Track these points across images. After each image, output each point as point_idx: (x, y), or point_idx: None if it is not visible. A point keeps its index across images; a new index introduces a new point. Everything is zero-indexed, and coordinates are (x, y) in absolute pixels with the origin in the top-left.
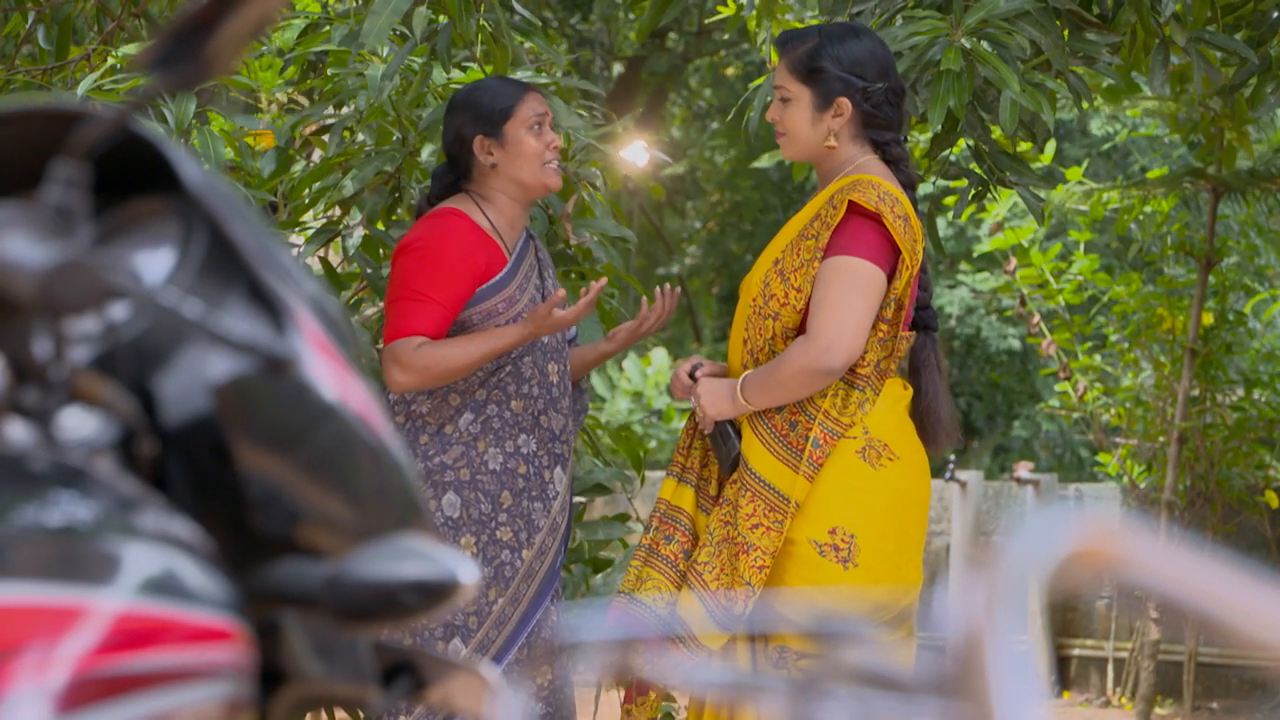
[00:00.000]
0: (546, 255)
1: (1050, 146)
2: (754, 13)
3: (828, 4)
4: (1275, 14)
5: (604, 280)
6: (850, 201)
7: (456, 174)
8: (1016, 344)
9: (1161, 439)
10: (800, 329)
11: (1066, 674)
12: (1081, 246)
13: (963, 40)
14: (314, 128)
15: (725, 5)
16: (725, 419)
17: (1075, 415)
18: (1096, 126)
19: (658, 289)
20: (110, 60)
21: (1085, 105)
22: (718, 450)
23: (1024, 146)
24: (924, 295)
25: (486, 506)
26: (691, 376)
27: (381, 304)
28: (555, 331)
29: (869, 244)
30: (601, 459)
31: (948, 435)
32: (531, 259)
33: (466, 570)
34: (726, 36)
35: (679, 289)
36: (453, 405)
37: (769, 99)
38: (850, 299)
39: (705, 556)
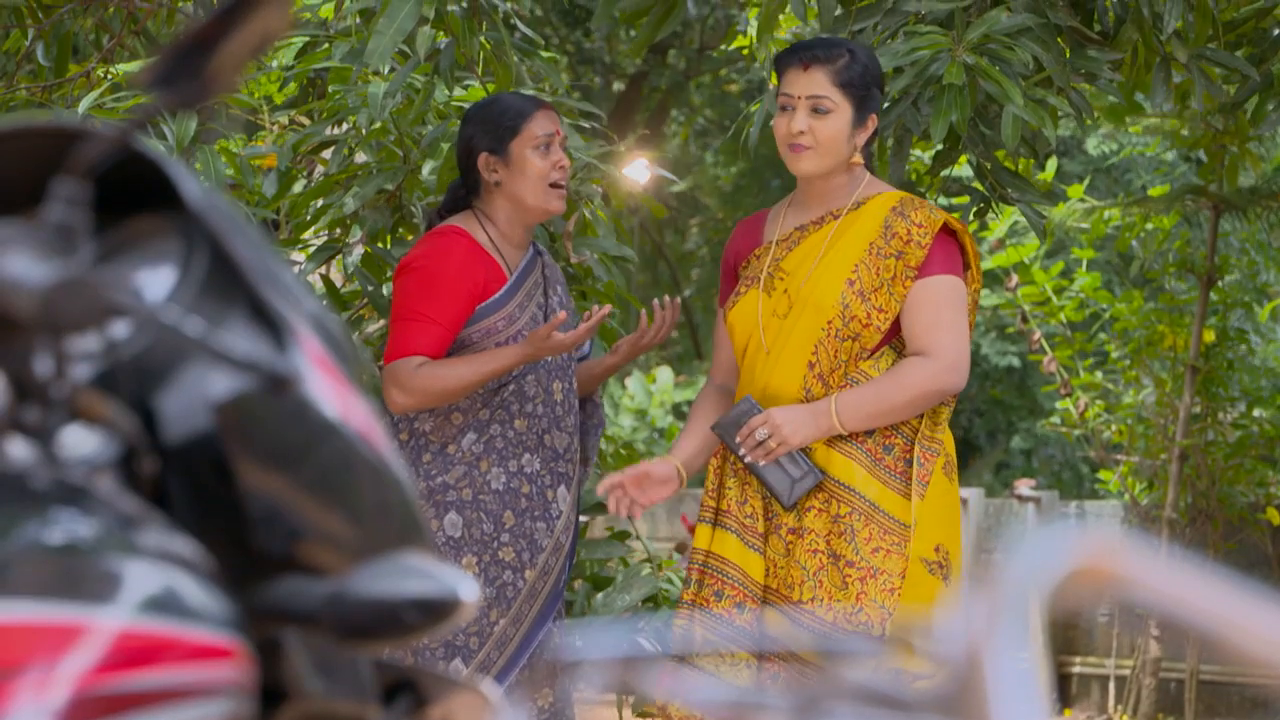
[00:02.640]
0: (556, 272)
1: (1052, 164)
2: (752, 28)
3: (829, 22)
4: (1276, 31)
5: (609, 307)
6: (945, 222)
7: (467, 189)
8: (1016, 361)
9: (1163, 456)
10: (874, 348)
11: (1068, 691)
12: (1084, 264)
13: (965, 56)
14: (314, 145)
15: (729, 35)
16: (802, 447)
17: (1076, 432)
18: (1093, 145)
19: (656, 301)
20: (110, 78)
21: (1087, 121)
22: (775, 482)
23: (1026, 164)
24: None
25: (489, 526)
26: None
27: (383, 321)
28: (555, 354)
29: (959, 262)
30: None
31: None
32: (537, 276)
33: (467, 588)
34: (725, 48)
35: (679, 300)
36: (455, 424)
37: (771, 112)
38: (961, 318)
39: (808, 594)
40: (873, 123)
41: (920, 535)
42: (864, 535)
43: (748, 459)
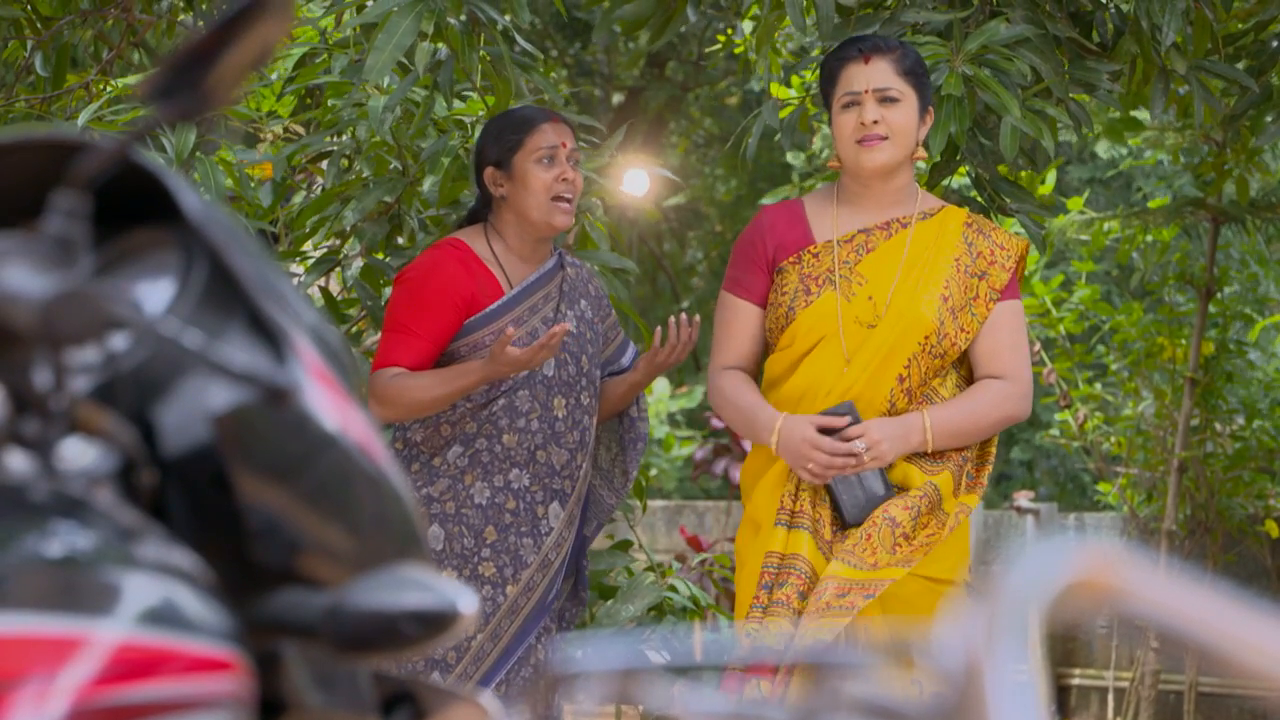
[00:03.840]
0: (586, 286)
1: (1050, 175)
2: (748, 37)
3: (828, 31)
4: (1275, 43)
5: (567, 325)
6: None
7: (483, 202)
8: None
9: (1162, 468)
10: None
11: (1067, 703)
12: (1084, 276)
13: (963, 67)
14: (311, 156)
15: (722, 37)
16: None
17: (1076, 444)
18: (1103, 150)
19: (671, 319)
20: (109, 90)
21: (1086, 134)
22: (847, 496)
23: (1028, 175)
24: None
25: (469, 541)
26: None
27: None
28: (517, 371)
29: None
30: None
31: None
32: (550, 290)
33: (466, 600)
34: (719, 53)
35: (698, 318)
36: (444, 436)
37: (769, 124)
38: (1027, 343)
39: (850, 542)
40: (930, 116)
41: (965, 556)
42: (924, 519)
43: (826, 471)
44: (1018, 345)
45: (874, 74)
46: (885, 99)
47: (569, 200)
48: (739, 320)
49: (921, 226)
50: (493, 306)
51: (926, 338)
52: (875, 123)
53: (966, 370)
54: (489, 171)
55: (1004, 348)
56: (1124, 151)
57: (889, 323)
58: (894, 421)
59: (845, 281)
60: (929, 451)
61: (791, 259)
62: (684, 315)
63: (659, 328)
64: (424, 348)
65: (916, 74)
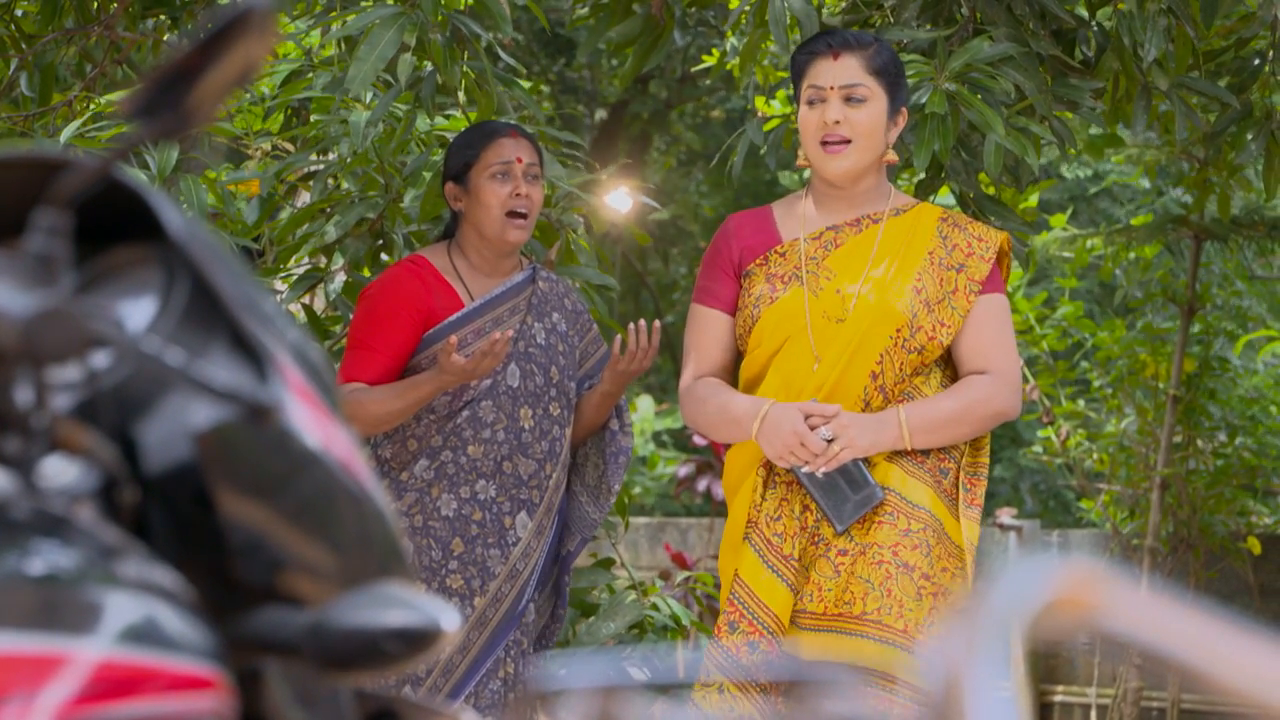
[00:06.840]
0: (560, 300)
1: (1033, 192)
2: (737, 59)
3: None
4: (1256, 61)
5: (510, 332)
6: (1004, 239)
7: (454, 215)
8: None
9: (1144, 485)
10: (929, 364)
11: None
12: (1066, 293)
13: (947, 84)
14: (299, 174)
15: (710, 55)
16: (866, 455)
17: (1058, 461)
18: (1068, 171)
19: (631, 326)
20: (93, 107)
21: (1071, 151)
22: (830, 498)
23: (1010, 192)
24: None
25: (437, 554)
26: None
27: None
28: (465, 379)
29: (1003, 282)
30: None
31: None
32: (516, 304)
33: (448, 618)
34: (709, 83)
35: (658, 324)
36: (410, 451)
37: (755, 141)
38: (1014, 339)
39: (872, 604)
40: (903, 117)
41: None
42: (937, 552)
43: (805, 468)
44: (1003, 339)
45: (841, 71)
46: (851, 98)
47: (524, 216)
48: (709, 329)
49: (894, 222)
50: (451, 319)
51: (899, 330)
52: (837, 123)
53: (952, 371)
54: (448, 186)
55: (988, 342)
56: (1090, 171)
57: (857, 317)
58: (862, 415)
59: (813, 277)
60: (907, 450)
61: (758, 261)
62: (643, 322)
63: (618, 336)
64: (383, 363)
65: (889, 73)
